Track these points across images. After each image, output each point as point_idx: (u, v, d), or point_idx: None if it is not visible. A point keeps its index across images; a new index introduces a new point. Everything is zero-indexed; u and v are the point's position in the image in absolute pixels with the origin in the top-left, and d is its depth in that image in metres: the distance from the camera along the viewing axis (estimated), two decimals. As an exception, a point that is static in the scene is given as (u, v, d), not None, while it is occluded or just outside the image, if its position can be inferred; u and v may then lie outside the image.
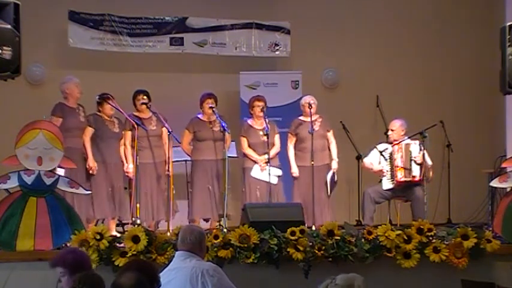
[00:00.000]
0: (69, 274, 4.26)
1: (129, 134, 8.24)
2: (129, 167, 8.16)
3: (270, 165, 8.28)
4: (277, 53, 10.10)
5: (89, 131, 8.06)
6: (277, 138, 8.57)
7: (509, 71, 7.26)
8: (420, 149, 8.42)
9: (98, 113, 8.18)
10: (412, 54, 10.48)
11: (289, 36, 10.06)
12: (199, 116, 8.49)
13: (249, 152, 8.49)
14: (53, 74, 9.39)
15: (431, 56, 10.52)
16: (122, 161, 8.24)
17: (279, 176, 8.46)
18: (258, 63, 10.10)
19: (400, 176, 8.48)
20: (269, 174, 8.23)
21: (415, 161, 8.42)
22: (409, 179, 8.46)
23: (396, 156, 8.53)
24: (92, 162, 7.95)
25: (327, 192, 8.54)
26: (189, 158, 8.60)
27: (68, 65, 9.53)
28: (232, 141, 8.78)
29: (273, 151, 8.47)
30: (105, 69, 9.76)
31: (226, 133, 8.27)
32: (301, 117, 8.68)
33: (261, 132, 8.43)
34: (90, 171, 7.95)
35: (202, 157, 8.40)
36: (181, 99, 9.45)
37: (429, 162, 8.56)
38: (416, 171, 8.42)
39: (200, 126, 8.43)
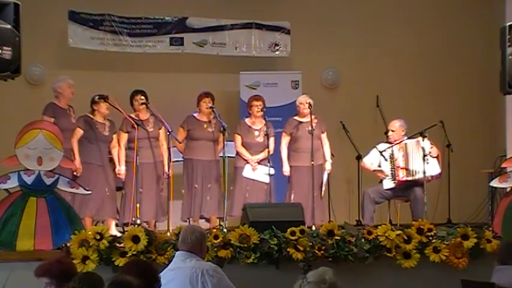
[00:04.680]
0: (55, 285, 4.11)
1: (124, 135, 8.19)
2: (121, 169, 8.12)
3: (262, 165, 8.29)
4: (277, 53, 10.09)
5: (78, 132, 7.98)
6: (271, 141, 8.50)
7: (509, 71, 7.27)
8: (430, 144, 8.41)
9: (89, 115, 8.10)
10: (412, 54, 10.47)
11: (289, 36, 10.04)
12: (195, 114, 8.47)
13: (241, 150, 8.46)
14: (53, 74, 9.34)
15: (431, 56, 10.51)
16: (112, 164, 8.17)
17: (271, 175, 8.40)
18: (258, 63, 10.09)
19: (402, 175, 8.48)
20: (263, 173, 8.24)
21: (431, 155, 8.36)
22: (410, 179, 8.45)
23: (397, 156, 8.52)
24: (78, 164, 7.85)
25: (321, 193, 8.53)
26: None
27: (68, 65, 9.53)
28: (230, 141, 8.73)
29: (265, 153, 8.39)
30: (105, 69, 9.75)
31: (226, 133, 8.23)
32: (296, 117, 8.64)
33: (257, 133, 8.43)
34: (74, 173, 7.82)
35: (193, 156, 8.36)
36: (181, 99, 9.42)
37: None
38: (434, 169, 8.38)
39: (194, 125, 8.40)
